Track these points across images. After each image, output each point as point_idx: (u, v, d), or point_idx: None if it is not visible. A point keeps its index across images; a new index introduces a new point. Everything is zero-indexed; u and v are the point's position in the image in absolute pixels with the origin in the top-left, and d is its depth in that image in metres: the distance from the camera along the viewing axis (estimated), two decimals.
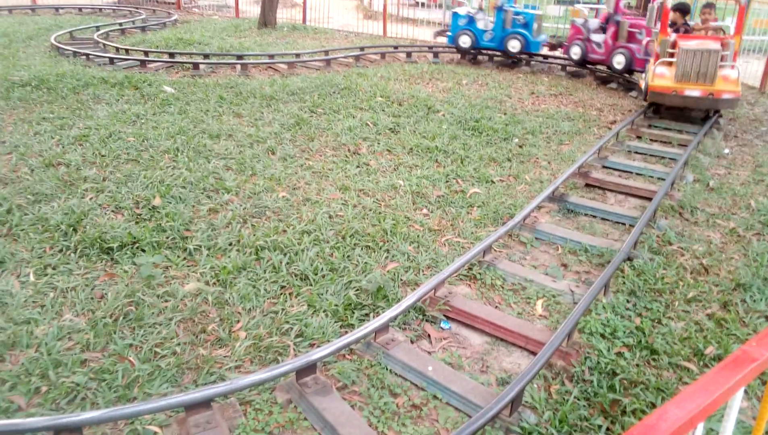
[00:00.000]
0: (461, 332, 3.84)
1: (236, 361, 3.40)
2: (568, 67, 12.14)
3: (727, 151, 7.52)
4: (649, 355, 3.54)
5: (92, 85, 8.65)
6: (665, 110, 8.64)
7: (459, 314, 3.91)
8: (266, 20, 16.18)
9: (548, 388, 3.30)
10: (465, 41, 12.35)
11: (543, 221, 5.38)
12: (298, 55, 11.86)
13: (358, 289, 4.07)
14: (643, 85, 8.96)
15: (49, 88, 8.38)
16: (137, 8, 19.06)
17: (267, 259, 4.37)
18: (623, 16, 10.74)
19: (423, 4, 19.71)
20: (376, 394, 3.20)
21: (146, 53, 11.29)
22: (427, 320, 3.91)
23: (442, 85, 10.46)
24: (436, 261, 4.54)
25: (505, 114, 8.62)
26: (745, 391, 3.23)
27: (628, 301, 4.10)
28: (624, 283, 4.31)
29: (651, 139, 7.80)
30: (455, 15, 12.53)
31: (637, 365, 3.43)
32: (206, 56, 11.41)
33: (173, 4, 20.78)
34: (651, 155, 7.28)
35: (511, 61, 12.64)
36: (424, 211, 5.45)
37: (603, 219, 5.53)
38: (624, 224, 5.40)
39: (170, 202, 5.15)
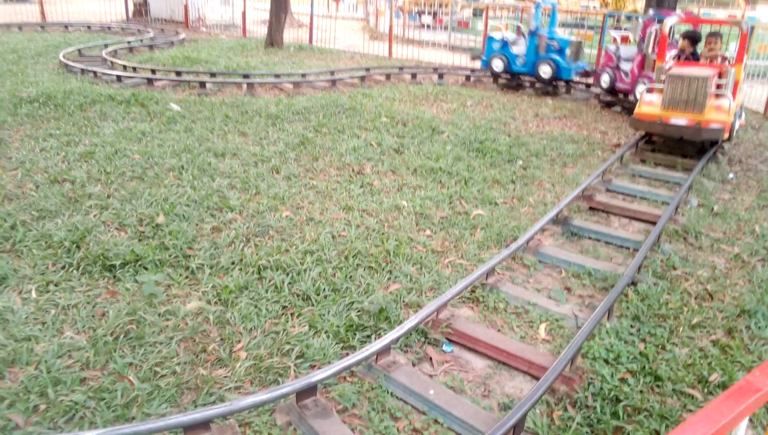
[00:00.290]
0: (463, 355, 3.81)
1: (236, 381, 3.38)
2: (602, 96, 11.40)
3: (731, 175, 7.51)
4: (653, 382, 3.50)
5: (99, 103, 8.72)
6: (657, 141, 8.30)
7: (461, 337, 3.88)
8: (273, 40, 16.35)
9: (551, 414, 3.27)
10: (498, 65, 12.28)
11: (546, 244, 5.36)
12: (303, 75, 11.97)
13: (360, 310, 4.05)
14: None
15: (57, 104, 8.46)
16: (145, 27, 19.30)
17: (269, 278, 4.36)
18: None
19: (429, 26, 19.88)
20: (376, 417, 3.17)
21: (153, 71, 11.40)
22: (429, 343, 3.88)
23: (446, 106, 10.52)
24: (438, 283, 4.53)
25: (509, 136, 8.65)
26: (750, 420, 3.19)
27: (631, 326, 4.06)
28: (628, 307, 4.28)
29: (655, 163, 7.80)
30: (490, 39, 12.50)
31: (641, 392, 3.39)
32: (213, 75, 11.50)
33: (181, 23, 21.06)
34: (655, 179, 7.27)
35: (546, 89, 12.21)
36: (428, 232, 5.44)
37: (607, 242, 5.51)
38: (628, 248, 5.38)
39: (174, 220, 5.16)
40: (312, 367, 3.53)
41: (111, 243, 4.66)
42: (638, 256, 4.86)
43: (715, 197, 6.71)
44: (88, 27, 18.79)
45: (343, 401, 3.26)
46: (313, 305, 4.11)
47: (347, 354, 3.62)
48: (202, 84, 10.58)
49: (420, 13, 20.94)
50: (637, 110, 7.91)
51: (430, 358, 3.74)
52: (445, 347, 3.85)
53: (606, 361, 3.63)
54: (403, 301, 4.24)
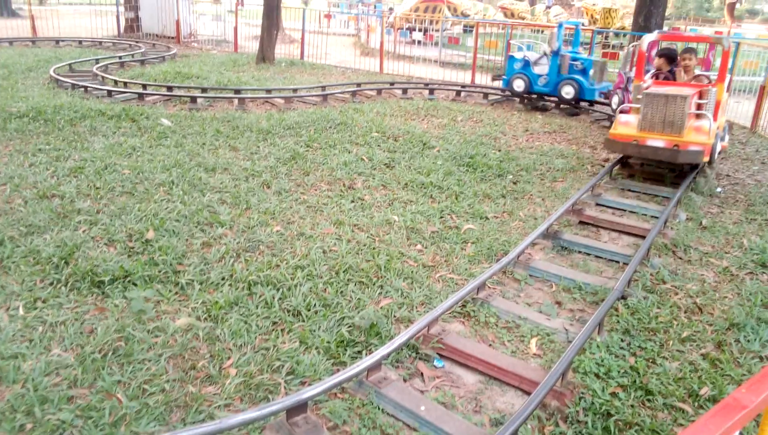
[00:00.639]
0: (454, 371, 3.80)
1: (226, 399, 3.35)
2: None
3: (719, 190, 7.58)
4: (644, 396, 3.50)
5: (89, 118, 8.70)
6: (634, 164, 8.02)
7: (452, 352, 3.88)
8: (264, 55, 16.42)
9: (542, 429, 3.26)
10: (519, 85, 12.06)
11: (537, 258, 5.38)
12: (295, 90, 12.02)
13: (350, 326, 4.03)
14: None
15: (46, 119, 8.43)
16: (137, 42, 19.32)
17: (259, 294, 4.34)
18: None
19: (419, 42, 20.05)
20: (367, 434, 3.15)
21: (144, 86, 11.41)
22: (420, 358, 3.87)
23: (437, 121, 10.57)
24: (429, 297, 4.52)
25: (499, 151, 8.70)
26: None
27: (622, 340, 4.07)
28: (618, 321, 4.29)
29: (644, 178, 7.86)
30: (511, 58, 12.38)
31: (632, 406, 3.39)
32: (204, 90, 11.52)
33: (173, 38, 21.10)
34: (644, 193, 7.32)
35: (570, 112, 11.98)
36: (419, 246, 5.44)
37: (597, 256, 5.53)
38: (618, 262, 5.41)
39: (163, 236, 5.13)
40: (302, 383, 3.50)
41: (100, 259, 4.62)
42: (628, 269, 4.88)
43: (704, 211, 6.76)
44: (80, 42, 18.80)
45: (334, 418, 3.24)
46: (303, 321, 4.09)
47: (338, 370, 3.60)
48: (193, 99, 10.59)
49: (411, 29, 21.10)
50: (612, 131, 7.54)
51: (422, 374, 3.73)
52: (436, 362, 3.84)
53: (597, 376, 3.63)
54: (394, 316, 4.24)
